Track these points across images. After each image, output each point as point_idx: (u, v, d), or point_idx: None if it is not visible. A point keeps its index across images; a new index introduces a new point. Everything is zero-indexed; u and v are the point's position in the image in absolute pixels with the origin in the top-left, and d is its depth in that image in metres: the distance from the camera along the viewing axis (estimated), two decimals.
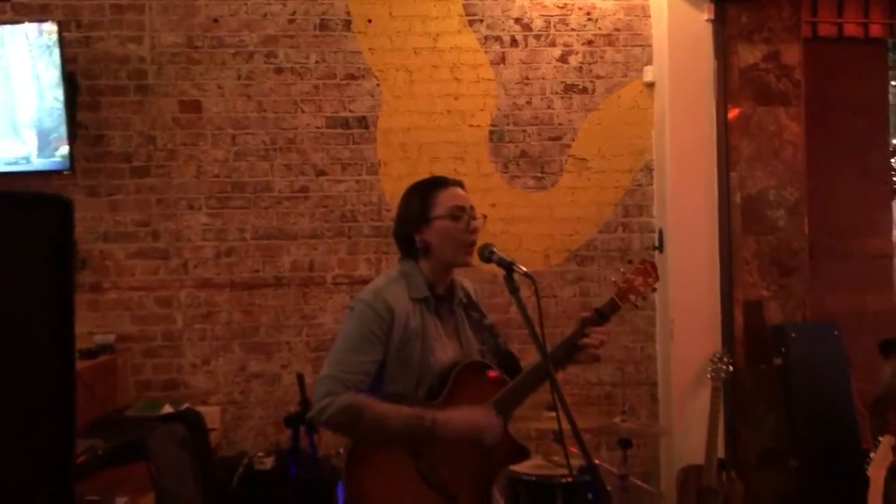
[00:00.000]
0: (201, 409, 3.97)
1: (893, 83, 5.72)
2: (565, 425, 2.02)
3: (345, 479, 2.16)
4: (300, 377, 2.76)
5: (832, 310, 4.60)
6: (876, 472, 3.03)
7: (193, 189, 4.26)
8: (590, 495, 2.90)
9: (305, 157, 4.30)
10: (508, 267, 2.14)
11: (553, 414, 1.99)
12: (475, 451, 2.15)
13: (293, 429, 2.71)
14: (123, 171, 4.24)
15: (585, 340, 2.21)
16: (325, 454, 3.98)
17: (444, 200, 2.23)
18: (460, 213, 2.22)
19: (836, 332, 4.11)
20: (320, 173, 4.30)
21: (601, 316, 2.26)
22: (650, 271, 2.32)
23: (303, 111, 4.31)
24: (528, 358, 2.34)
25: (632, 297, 2.29)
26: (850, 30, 4.51)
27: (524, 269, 2.12)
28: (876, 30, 4.55)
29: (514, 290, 2.18)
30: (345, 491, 2.16)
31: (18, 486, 1.38)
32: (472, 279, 2.47)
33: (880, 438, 3.12)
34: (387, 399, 2.17)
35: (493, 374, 2.25)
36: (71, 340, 1.71)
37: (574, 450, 3.99)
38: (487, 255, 2.19)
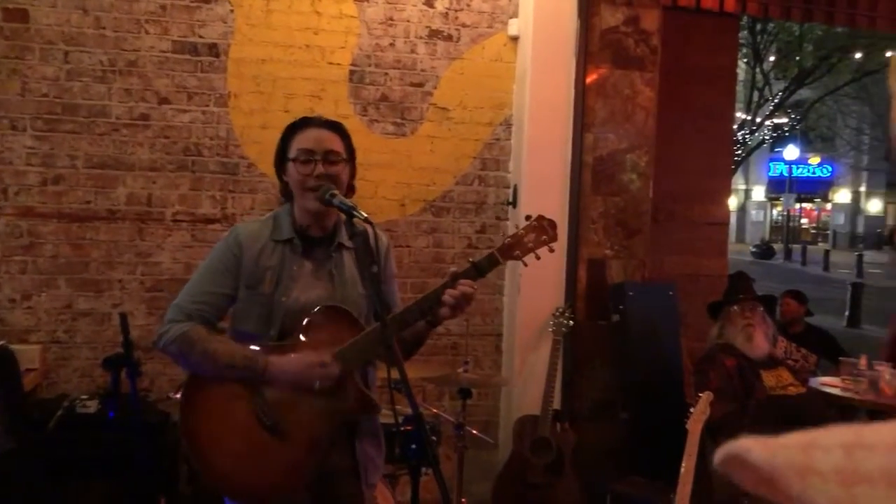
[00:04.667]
0: (19, 347, 3.67)
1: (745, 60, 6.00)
2: (409, 375, 1.97)
3: (179, 416, 2.10)
4: (122, 317, 2.57)
5: (670, 271, 4.83)
6: (694, 426, 3.21)
7: (17, 108, 3.87)
8: (413, 445, 2.90)
9: (148, 82, 3.98)
10: (349, 212, 2.06)
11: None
12: (317, 398, 2.08)
13: (113, 371, 2.53)
14: None
15: (448, 292, 2.13)
16: (157, 398, 3.81)
17: (297, 143, 2.16)
18: (307, 156, 2.13)
19: (671, 293, 4.31)
20: (163, 101, 4.01)
21: (476, 270, 2.17)
22: (546, 229, 2.23)
23: (147, 32, 3.98)
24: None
25: (516, 254, 2.21)
26: (707, 2, 4.65)
27: (364, 214, 2.04)
28: (730, 4, 4.71)
29: (353, 235, 2.11)
30: (179, 427, 2.09)
31: None
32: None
33: (700, 395, 3.30)
34: (236, 337, 2.13)
35: None
36: None
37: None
38: (328, 199, 2.11)
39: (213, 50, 4.05)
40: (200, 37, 4.03)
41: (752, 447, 0.53)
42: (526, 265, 2.27)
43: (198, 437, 2.08)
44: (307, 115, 2.25)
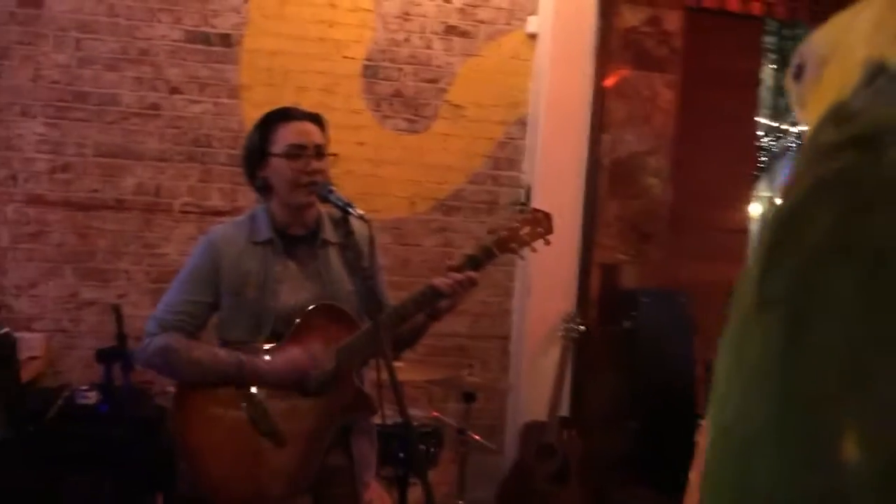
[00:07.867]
0: (23, 335, 3.64)
1: (772, 65, 5.88)
2: (406, 378, 1.92)
3: (171, 424, 2.09)
4: (116, 309, 2.53)
5: (686, 278, 4.71)
6: (703, 440, 3.11)
7: (29, 94, 3.84)
8: (401, 454, 2.83)
9: (159, 71, 3.94)
10: (344, 208, 2.02)
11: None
12: (315, 399, 2.04)
13: (106, 364, 2.48)
14: None
15: (441, 280, 2.06)
16: (157, 392, 3.77)
17: (284, 137, 2.07)
18: (299, 151, 2.05)
19: (683, 301, 4.20)
20: (174, 91, 3.97)
21: (472, 262, 2.12)
22: (542, 220, 2.19)
23: (159, 21, 3.94)
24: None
25: (513, 246, 2.16)
26: (732, 4, 4.53)
27: (360, 211, 1.99)
28: (756, 7, 4.59)
29: (348, 233, 2.07)
30: (172, 436, 2.09)
31: None
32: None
33: None
34: (224, 347, 2.08)
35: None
36: None
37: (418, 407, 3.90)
38: (325, 195, 2.06)
39: (226, 40, 4.00)
40: (213, 27, 3.99)
41: None
42: (523, 258, 2.22)
43: (192, 448, 2.05)
44: (286, 107, 2.17)
